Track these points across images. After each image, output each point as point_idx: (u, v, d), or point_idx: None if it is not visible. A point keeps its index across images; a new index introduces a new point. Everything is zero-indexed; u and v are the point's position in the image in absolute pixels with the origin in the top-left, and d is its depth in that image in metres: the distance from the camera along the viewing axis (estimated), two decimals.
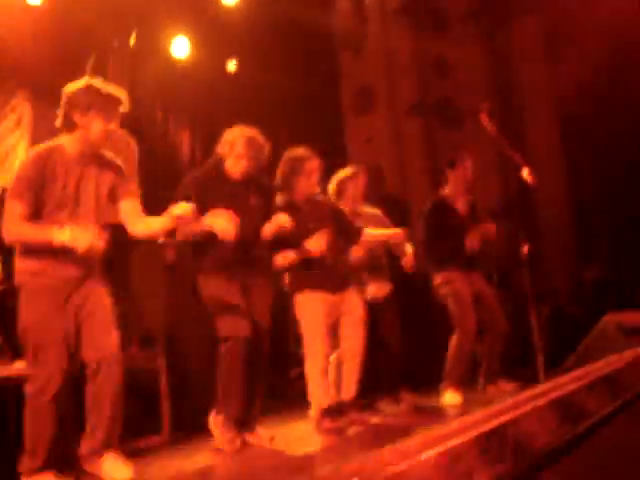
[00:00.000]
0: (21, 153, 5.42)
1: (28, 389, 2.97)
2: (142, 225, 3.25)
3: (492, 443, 1.03)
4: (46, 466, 2.93)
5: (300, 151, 4.21)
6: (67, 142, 3.06)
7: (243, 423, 3.69)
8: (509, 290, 6.55)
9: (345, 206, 4.64)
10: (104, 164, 3.17)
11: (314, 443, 3.75)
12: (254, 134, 3.81)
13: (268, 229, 3.78)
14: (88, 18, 5.65)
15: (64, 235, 2.83)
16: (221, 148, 3.83)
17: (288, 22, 6.94)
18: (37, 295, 2.98)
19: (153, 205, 3.40)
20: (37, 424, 2.94)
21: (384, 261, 4.92)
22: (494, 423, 1.09)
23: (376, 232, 4.63)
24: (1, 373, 3.88)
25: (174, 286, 4.72)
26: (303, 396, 4.22)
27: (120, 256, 4.90)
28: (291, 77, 6.99)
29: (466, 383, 4.91)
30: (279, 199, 4.13)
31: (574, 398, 1.38)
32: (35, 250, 2.96)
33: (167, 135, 6.98)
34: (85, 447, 3.05)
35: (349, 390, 4.15)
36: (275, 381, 5.67)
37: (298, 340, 5.58)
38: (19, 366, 3.91)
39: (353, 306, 4.20)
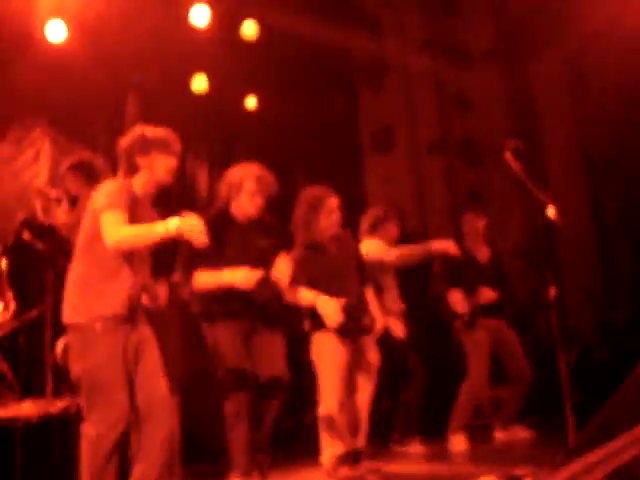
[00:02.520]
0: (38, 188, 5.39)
1: (89, 432, 2.88)
2: None
3: None
4: None
5: (319, 189, 4.11)
6: (135, 185, 3.15)
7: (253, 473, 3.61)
8: (532, 334, 6.41)
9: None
10: (155, 209, 3.29)
11: None
12: (262, 170, 3.75)
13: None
14: (108, 53, 5.67)
15: (170, 224, 2.86)
16: (226, 190, 3.76)
17: (308, 58, 6.95)
18: (104, 336, 2.94)
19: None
20: (94, 470, 2.85)
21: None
22: None
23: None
24: (9, 413, 3.80)
25: (189, 327, 4.62)
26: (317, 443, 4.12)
27: None
28: (310, 114, 6.99)
29: (478, 428, 4.96)
30: (300, 238, 4.04)
31: (632, 468, 1.22)
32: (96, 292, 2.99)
33: (185, 171, 6.97)
34: None
35: (360, 439, 4.03)
36: (289, 426, 5.56)
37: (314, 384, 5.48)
38: (27, 405, 3.84)
39: (369, 353, 4.08)
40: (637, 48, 7.01)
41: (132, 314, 3.04)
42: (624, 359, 5.97)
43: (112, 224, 2.90)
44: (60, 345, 4.15)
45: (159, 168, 3.14)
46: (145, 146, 3.11)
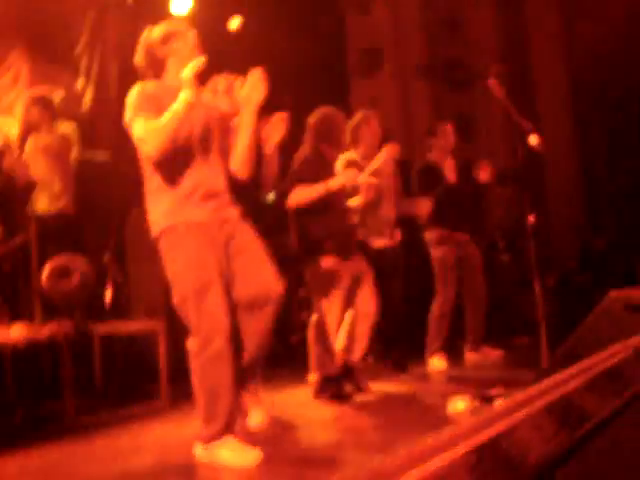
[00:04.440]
0: (18, 111, 5.32)
1: (190, 347, 2.71)
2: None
3: (483, 458, 0.94)
4: (227, 429, 2.67)
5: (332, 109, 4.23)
6: (169, 79, 2.99)
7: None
8: (516, 257, 6.52)
9: (362, 152, 4.63)
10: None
11: (314, 410, 3.75)
12: None
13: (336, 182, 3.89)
14: None
15: (183, 94, 2.71)
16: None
17: None
18: (183, 238, 2.78)
19: None
20: (210, 383, 2.67)
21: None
22: (485, 435, 1.00)
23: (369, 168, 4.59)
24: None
25: None
26: (303, 363, 4.23)
27: (116, 224, 4.87)
28: (296, 36, 6.83)
29: (451, 349, 5.03)
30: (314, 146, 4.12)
31: (572, 399, 1.29)
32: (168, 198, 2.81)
33: None
34: None
35: (357, 352, 4.14)
36: (276, 347, 5.70)
37: (300, 305, 5.58)
38: (16, 330, 3.92)
39: (364, 268, 4.17)
40: None
41: (218, 204, 2.89)
42: (603, 282, 6.13)
43: (142, 129, 2.74)
44: (46, 271, 4.19)
45: (183, 49, 2.98)
46: (162, 37, 2.96)
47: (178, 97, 2.74)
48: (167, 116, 2.72)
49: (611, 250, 7.13)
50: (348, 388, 4.01)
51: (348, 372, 4.08)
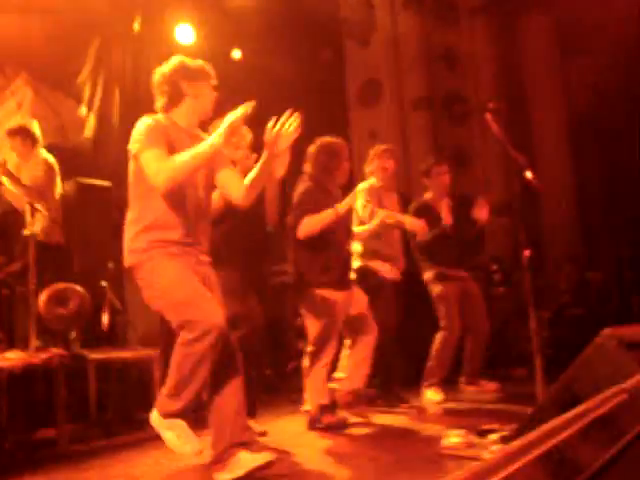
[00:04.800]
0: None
1: (184, 336, 2.73)
2: (246, 184, 3.07)
3: None
4: (183, 413, 2.78)
5: (335, 139, 4.23)
6: (177, 116, 3.00)
7: None
8: (513, 289, 6.53)
9: (380, 183, 4.64)
10: (202, 138, 3.07)
11: (309, 441, 3.71)
12: None
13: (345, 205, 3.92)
14: (91, 2, 5.55)
15: (214, 135, 2.75)
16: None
17: (294, 10, 6.83)
18: (170, 259, 2.84)
19: None
20: (189, 370, 2.73)
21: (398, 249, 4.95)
22: None
23: (399, 215, 4.73)
24: None
25: None
26: (298, 391, 4.23)
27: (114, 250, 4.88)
28: (296, 66, 6.90)
29: (447, 382, 5.00)
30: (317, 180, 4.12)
31: (566, 449, 1.30)
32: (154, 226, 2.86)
33: None
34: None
35: (359, 380, 4.15)
36: (271, 374, 5.70)
37: (298, 334, 5.58)
38: (12, 356, 3.91)
39: (360, 296, 4.21)
40: (627, 12, 6.96)
41: (193, 243, 2.93)
42: (598, 318, 6.14)
43: (155, 161, 2.76)
44: (43, 297, 4.20)
45: (205, 96, 2.99)
46: (191, 73, 2.95)
47: (208, 140, 2.77)
48: (188, 155, 2.75)
49: (606, 285, 7.16)
50: (344, 417, 3.99)
51: (349, 401, 4.09)
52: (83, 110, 5.93)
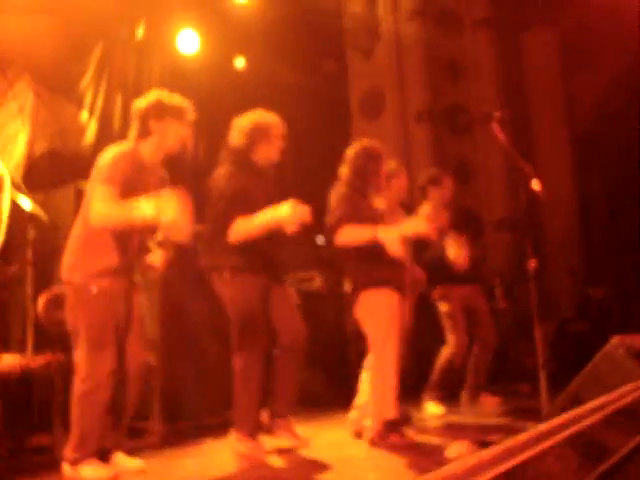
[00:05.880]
0: (22, 141, 5.34)
1: (78, 388, 3.09)
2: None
3: None
4: (91, 455, 3.09)
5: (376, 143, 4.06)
6: (142, 148, 3.19)
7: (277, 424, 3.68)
8: (514, 303, 6.50)
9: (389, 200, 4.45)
10: (162, 174, 3.36)
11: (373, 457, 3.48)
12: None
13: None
14: (95, 7, 5.54)
15: (147, 209, 2.89)
16: (247, 136, 3.65)
17: (299, 20, 6.86)
18: (98, 296, 3.09)
19: None
20: (88, 417, 3.07)
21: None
22: (512, 462, 0.97)
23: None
24: None
25: (168, 285, 4.62)
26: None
27: None
28: (299, 76, 6.90)
29: (449, 396, 4.96)
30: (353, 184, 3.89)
31: (594, 433, 1.25)
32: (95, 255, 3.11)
33: None
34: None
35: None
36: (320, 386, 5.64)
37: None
38: (8, 360, 3.85)
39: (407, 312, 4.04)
40: (630, 27, 7.00)
41: (126, 275, 3.18)
42: (600, 332, 6.10)
43: (101, 200, 2.94)
44: (42, 300, 4.15)
45: (171, 135, 3.17)
46: (160, 111, 3.14)
47: (143, 209, 2.88)
48: (124, 216, 2.95)
49: (608, 299, 7.12)
50: (411, 439, 3.66)
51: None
52: (85, 115, 5.91)
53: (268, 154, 3.72)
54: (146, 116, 3.16)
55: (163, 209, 2.89)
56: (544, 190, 4.16)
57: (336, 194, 3.86)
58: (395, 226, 3.76)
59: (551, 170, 8.19)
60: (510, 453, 1.02)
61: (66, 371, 3.87)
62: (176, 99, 3.24)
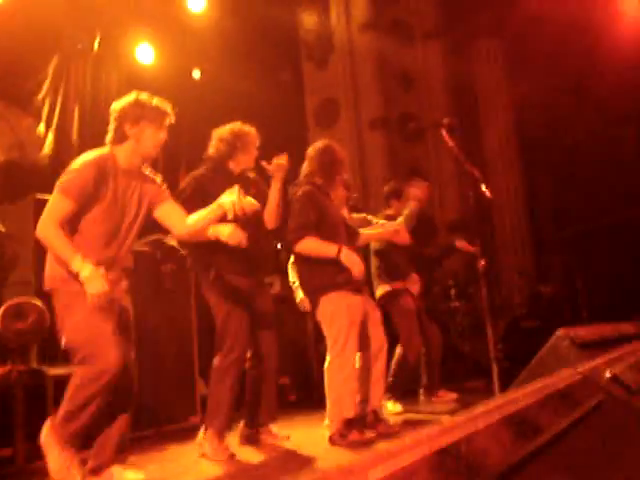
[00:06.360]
0: None
1: (75, 377, 2.85)
2: (191, 221, 3.21)
3: (444, 461, 1.02)
4: (71, 440, 2.87)
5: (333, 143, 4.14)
6: (118, 152, 3.07)
7: (256, 422, 3.80)
8: (467, 303, 6.68)
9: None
10: (144, 176, 3.21)
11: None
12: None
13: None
14: (52, 19, 5.54)
15: (84, 271, 2.81)
16: (228, 144, 3.80)
17: (254, 31, 6.92)
18: (76, 298, 2.90)
19: None
20: (82, 404, 2.82)
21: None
22: (447, 440, 1.09)
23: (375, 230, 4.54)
24: None
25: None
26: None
27: None
28: (256, 86, 6.97)
29: (407, 393, 5.06)
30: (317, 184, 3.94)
31: (528, 414, 1.38)
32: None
33: None
34: None
35: (378, 397, 3.94)
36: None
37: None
38: None
39: (372, 306, 4.06)
40: (574, 35, 7.27)
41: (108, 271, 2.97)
42: (550, 328, 6.31)
43: (54, 212, 2.87)
44: (0, 311, 4.13)
45: (146, 140, 3.06)
46: (136, 115, 3.02)
47: (78, 264, 2.80)
48: (61, 247, 2.84)
49: (558, 296, 7.36)
50: (372, 437, 3.69)
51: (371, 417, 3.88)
52: (42, 127, 5.88)
53: (245, 162, 3.87)
54: (122, 120, 3.04)
55: (92, 281, 2.83)
56: (494, 193, 4.32)
57: (299, 194, 3.87)
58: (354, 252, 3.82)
59: (501, 174, 8.47)
60: (446, 432, 1.12)
61: (26, 382, 3.89)
62: (155, 101, 3.10)
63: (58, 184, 2.92)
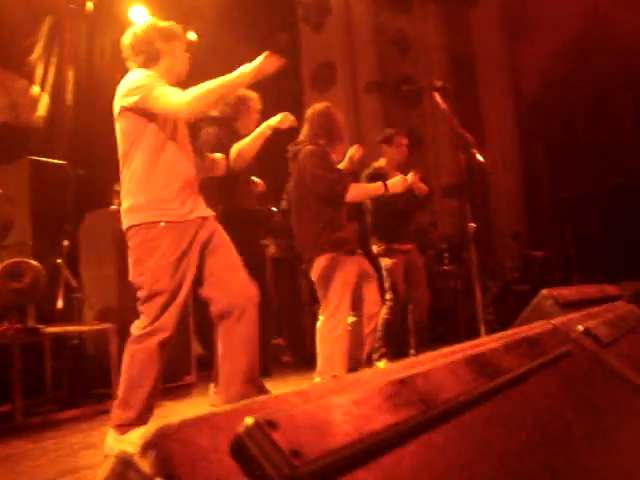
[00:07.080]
0: None
1: (137, 329, 2.75)
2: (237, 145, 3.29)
3: (399, 391, 1.06)
4: (138, 422, 2.68)
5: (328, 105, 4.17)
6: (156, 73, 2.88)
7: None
8: (460, 266, 6.74)
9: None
10: None
11: None
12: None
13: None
14: None
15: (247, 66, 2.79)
16: (232, 107, 4.02)
17: None
18: (161, 236, 2.75)
19: None
20: (137, 371, 2.70)
21: None
22: (406, 373, 1.13)
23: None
24: None
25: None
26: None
27: (69, 228, 4.88)
28: (252, 49, 6.92)
29: (398, 354, 5.04)
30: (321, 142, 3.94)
31: (491, 355, 1.43)
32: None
33: None
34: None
35: (364, 354, 4.07)
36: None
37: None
38: None
39: (368, 268, 4.09)
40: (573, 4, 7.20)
41: (191, 202, 2.85)
42: (539, 291, 6.38)
43: (172, 93, 2.68)
44: None
45: (180, 56, 2.93)
46: (166, 33, 2.88)
47: (241, 68, 2.77)
48: (213, 82, 2.70)
49: (549, 261, 7.43)
50: None
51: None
52: (36, 89, 5.87)
53: (248, 124, 4.06)
54: (151, 38, 2.85)
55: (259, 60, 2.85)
56: (490, 159, 4.32)
57: (313, 151, 3.83)
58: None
59: (498, 139, 8.45)
60: (406, 366, 1.17)
61: (23, 340, 3.97)
62: (172, 23, 2.96)
63: (143, 92, 2.70)
